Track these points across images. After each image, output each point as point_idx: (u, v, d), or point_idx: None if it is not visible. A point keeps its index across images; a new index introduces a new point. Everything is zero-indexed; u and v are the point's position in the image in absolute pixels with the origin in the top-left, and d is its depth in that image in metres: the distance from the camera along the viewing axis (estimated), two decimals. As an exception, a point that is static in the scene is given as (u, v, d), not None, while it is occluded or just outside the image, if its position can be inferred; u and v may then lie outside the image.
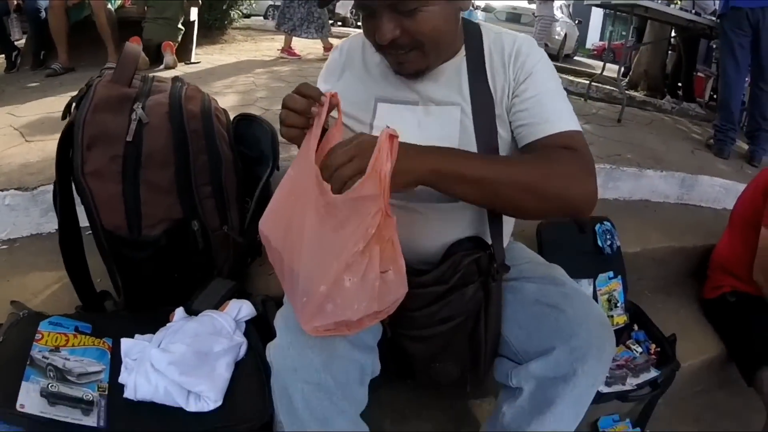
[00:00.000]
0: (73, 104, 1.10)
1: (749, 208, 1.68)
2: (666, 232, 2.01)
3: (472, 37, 0.94)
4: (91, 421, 0.80)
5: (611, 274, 1.56)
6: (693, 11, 3.91)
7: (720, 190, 2.54)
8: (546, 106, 0.87)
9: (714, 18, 3.63)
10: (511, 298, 0.94)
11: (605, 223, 1.59)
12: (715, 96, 4.73)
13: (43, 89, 2.85)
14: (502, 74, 0.90)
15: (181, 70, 3.37)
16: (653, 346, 1.52)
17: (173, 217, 1.08)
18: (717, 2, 4.55)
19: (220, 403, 0.86)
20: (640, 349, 1.50)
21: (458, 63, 0.93)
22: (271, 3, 10.57)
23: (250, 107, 2.48)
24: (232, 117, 1.29)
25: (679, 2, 5.61)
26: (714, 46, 5.20)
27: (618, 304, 1.56)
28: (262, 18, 9.52)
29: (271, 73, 3.56)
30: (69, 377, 0.84)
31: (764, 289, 1.56)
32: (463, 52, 0.93)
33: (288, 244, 0.74)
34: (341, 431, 0.78)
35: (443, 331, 0.91)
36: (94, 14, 3.22)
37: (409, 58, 0.85)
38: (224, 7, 4.93)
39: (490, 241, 0.92)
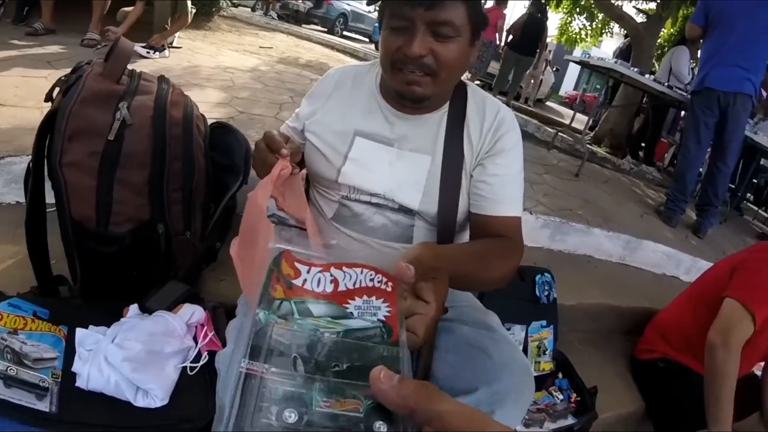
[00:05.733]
0: (57, 89, 1.12)
1: (713, 289, 1.68)
2: (603, 290, 2.14)
3: (458, 95, 1.03)
4: (43, 406, 0.83)
5: (544, 322, 1.66)
6: (667, 83, 4.12)
7: (662, 257, 2.68)
8: (505, 189, 0.99)
9: (685, 92, 3.82)
10: (446, 337, 1.01)
11: (546, 274, 1.70)
12: (675, 162, 4.94)
13: (22, 49, 2.82)
14: (478, 138, 1.00)
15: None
16: (574, 395, 1.62)
17: (141, 217, 1.11)
18: (691, 75, 4.84)
19: (166, 401, 0.91)
20: (561, 396, 1.61)
21: (440, 116, 1.01)
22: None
23: (226, 106, 2.53)
24: (207, 115, 1.32)
25: (655, 69, 5.96)
26: (682, 116, 5.50)
27: (547, 352, 1.67)
28: (249, 10, 9.41)
29: (251, 72, 3.58)
30: (25, 361, 0.87)
31: (717, 349, 1.48)
32: (446, 107, 1.01)
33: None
34: None
35: None
36: None
37: (420, 81, 0.91)
38: (215, -6, 4.91)
39: None
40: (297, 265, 0.54)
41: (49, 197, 1.09)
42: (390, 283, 0.56)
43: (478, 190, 0.99)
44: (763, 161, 5.20)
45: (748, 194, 6.36)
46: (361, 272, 0.55)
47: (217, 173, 1.28)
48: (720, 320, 1.53)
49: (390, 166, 0.99)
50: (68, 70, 1.18)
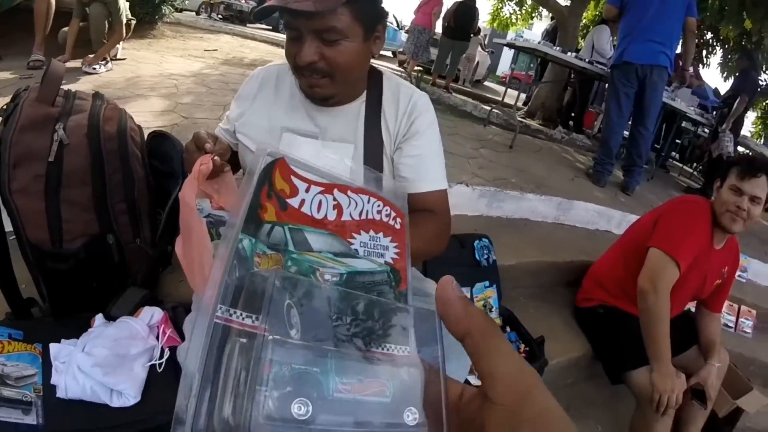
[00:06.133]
0: (-1, 119, 1.14)
1: (640, 239, 1.81)
2: (541, 248, 2.30)
3: (374, 84, 1.09)
4: (30, 419, 0.88)
5: (487, 283, 1.81)
6: (590, 59, 4.41)
7: (594, 214, 2.90)
8: (424, 167, 1.07)
9: (607, 67, 4.07)
10: None
11: (483, 239, 1.85)
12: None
13: (-34, 79, 2.73)
14: (394, 123, 1.07)
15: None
16: (523, 345, 1.77)
17: (91, 232, 1.15)
18: (612, 51, 5.17)
19: (138, 399, 0.98)
20: (511, 348, 1.75)
21: (358, 106, 1.07)
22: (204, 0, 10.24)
23: (170, 113, 2.54)
24: (150, 124, 1.35)
25: (580, 47, 6.29)
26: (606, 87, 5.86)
27: (493, 309, 1.81)
28: (194, 14, 9.22)
29: (195, 77, 3.56)
30: (8, 381, 0.92)
31: (648, 294, 1.61)
32: (364, 97, 1.08)
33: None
34: None
35: None
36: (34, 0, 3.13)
37: (320, 83, 0.96)
38: (157, 2, 4.81)
39: None
40: (294, 180, 0.41)
41: (8, 224, 1.12)
42: (399, 219, 0.44)
43: (399, 172, 1.07)
44: (684, 124, 5.63)
45: (673, 153, 6.90)
46: (368, 201, 0.43)
47: (159, 180, 1.33)
48: (647, 268, 1.66)
49: (316, 157, 1.06)
50: (17, 97, 1.19)
